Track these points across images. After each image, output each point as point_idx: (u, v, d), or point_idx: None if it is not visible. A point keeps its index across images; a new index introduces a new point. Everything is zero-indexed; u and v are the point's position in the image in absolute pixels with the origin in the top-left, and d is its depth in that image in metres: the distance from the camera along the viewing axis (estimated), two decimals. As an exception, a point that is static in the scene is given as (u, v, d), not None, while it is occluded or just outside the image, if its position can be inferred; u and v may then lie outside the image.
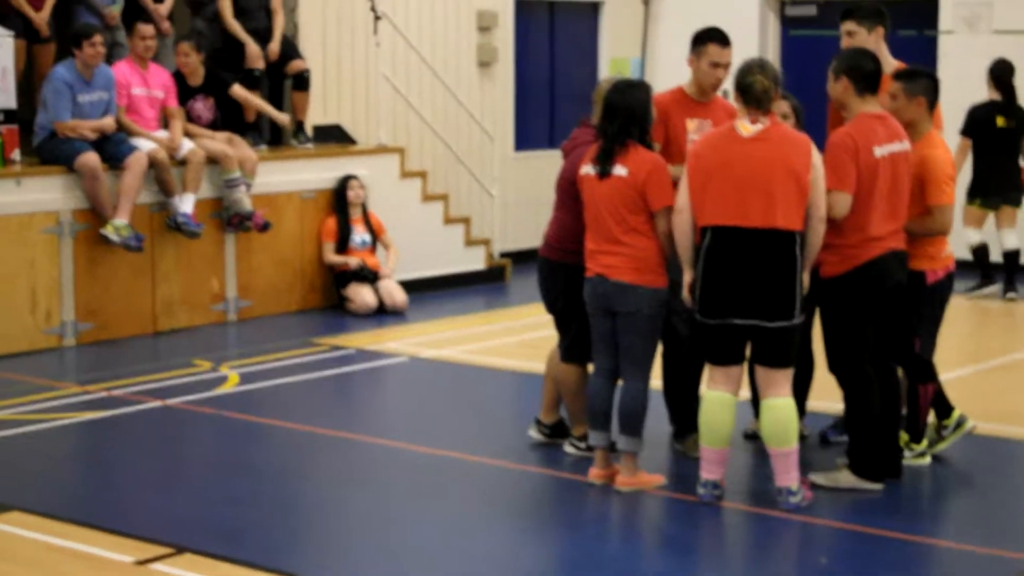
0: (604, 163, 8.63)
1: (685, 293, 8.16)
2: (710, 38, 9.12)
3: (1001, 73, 15.18)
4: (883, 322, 8.57)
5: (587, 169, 8.70)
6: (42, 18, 13.46)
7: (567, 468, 9.33)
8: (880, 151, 8.23)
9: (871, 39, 9.05)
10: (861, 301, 8.49)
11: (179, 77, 14.03)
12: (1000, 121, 14.97)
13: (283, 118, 14.74)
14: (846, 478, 8.40)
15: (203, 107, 13.94)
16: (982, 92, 16.27)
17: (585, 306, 9.00)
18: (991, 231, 15.90)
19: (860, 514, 8.24)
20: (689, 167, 8.23)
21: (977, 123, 14.98)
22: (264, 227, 14.05)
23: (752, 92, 8.07)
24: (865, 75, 8.35)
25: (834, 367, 8.71)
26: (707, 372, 8.33)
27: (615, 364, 8.97)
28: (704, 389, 8.30)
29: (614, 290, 8.68)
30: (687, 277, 8.15)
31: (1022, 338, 14.79)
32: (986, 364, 13.17)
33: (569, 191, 9.17)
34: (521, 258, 17.33)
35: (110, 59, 13.35)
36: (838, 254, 8.44)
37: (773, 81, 7.97)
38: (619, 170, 8.58)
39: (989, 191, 15.11)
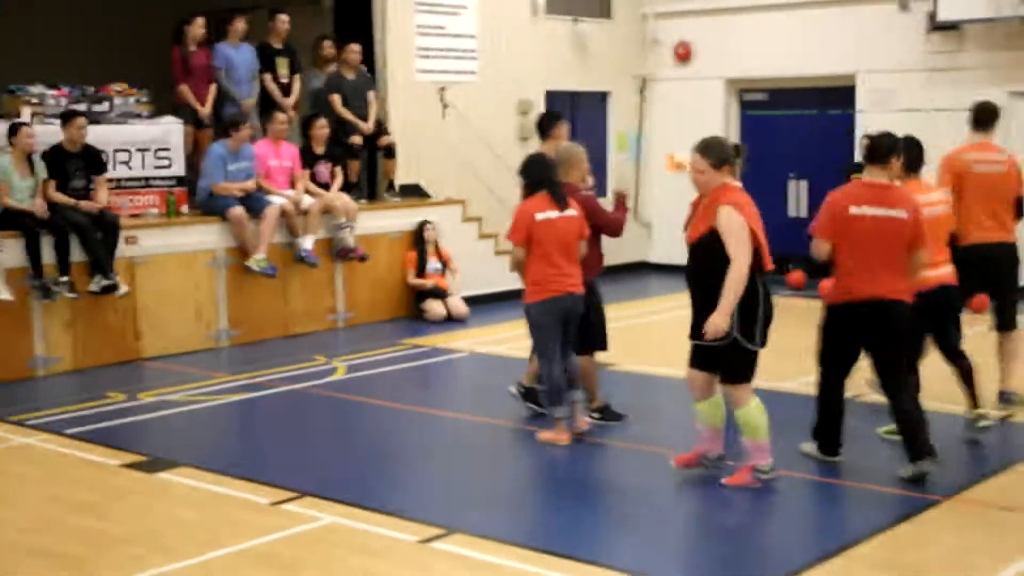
0: (560, 204, 9.01)
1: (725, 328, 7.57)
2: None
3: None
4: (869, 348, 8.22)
5: (549, 214, 8.98)
6: (205, 111, 13.99)
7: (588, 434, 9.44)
8: (857, 211, 7.93)
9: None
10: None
11: (307, 147, 14.26)
12: None
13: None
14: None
15: (324, 170, 14.30)
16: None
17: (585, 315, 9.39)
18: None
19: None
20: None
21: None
22: (363, 258, 14.54)
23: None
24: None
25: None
26: (748, 387, 7.88)
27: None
28: (754, 398, 7.88)
29: (577, 301, 9.14)
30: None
31: None
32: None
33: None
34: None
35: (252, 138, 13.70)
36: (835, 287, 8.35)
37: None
38: (571, 211, 9.11)
39: None
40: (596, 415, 9.86)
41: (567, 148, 9.78)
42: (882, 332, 8.07)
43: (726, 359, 7.76)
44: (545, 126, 10.57)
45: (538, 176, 9.18)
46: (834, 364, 8.41)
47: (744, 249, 7.50)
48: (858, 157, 15.82)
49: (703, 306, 7.69)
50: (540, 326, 9.17)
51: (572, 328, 9.29)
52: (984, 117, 10.24)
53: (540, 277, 9.02)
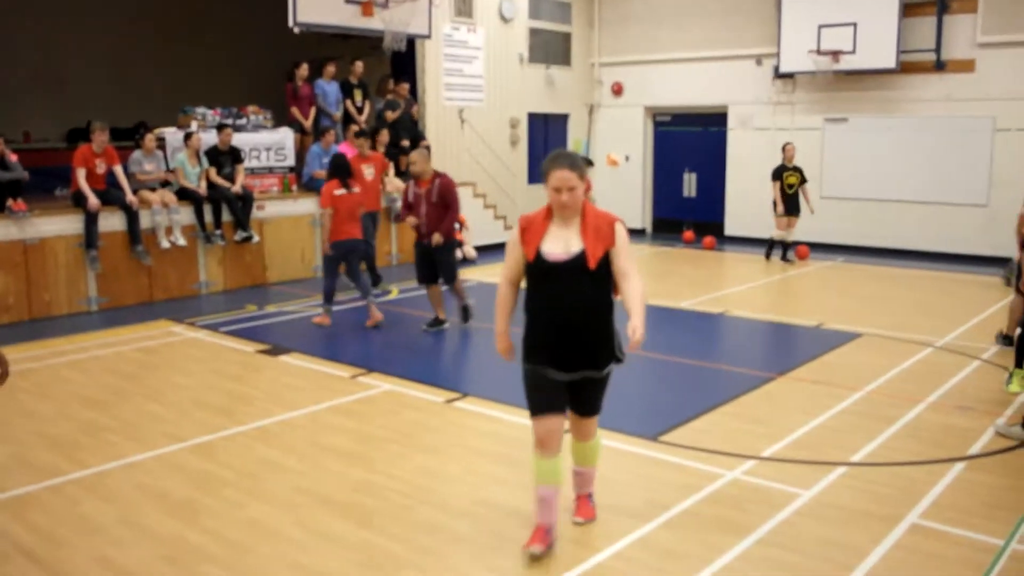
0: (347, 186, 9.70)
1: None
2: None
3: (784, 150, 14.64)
4: None
5: (340, 191, 9.69)
6: (307, 124, 13.94)
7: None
8: None
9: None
10: None
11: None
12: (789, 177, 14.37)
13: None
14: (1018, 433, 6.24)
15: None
16: (761, 161, 16.16)
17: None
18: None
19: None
20: None
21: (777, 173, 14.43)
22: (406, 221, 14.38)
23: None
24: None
25: None
26: None
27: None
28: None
29: (357, 244, 9.93)
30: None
31: None
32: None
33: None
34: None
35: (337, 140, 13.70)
36: None
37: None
38: (355, 189, 9.90)
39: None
40: (430, 326, 9.81)
41: (418, 152, 9.66)
42: None
43: (600, 387, 4.69)
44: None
45: (338, 170, 9.89)
46: None
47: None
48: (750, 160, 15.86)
49: (596, 332, 4.50)
50: (330, 258, 9.92)
51: (354, 260, 10.06)
52: None
53: (334, 229, 9.78)
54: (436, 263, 9.61)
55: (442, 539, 4.84)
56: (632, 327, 4.18)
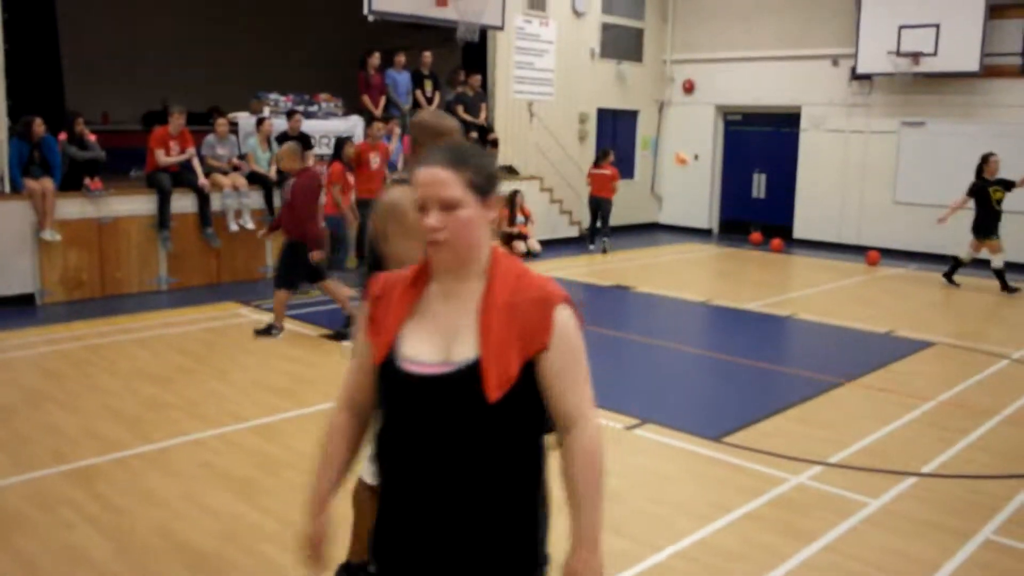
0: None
1: None
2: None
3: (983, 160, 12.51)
4: None
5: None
6: (377, 113, 13.84)
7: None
8: None
9: None
10: None
11: None
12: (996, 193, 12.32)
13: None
14: None
15: None
16: (833, 164, 15.55)
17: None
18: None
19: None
20: None
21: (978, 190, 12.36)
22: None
23: None
24: None
25: None
26: None
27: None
28: None
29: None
30: None
31: None
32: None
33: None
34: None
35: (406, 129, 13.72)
36: None
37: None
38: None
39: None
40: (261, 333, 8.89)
41: (286, 147, 8.96)
42: None
43: None
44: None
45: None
46: None
47: None
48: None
49: (485, 540, 2.06)
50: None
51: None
52: None
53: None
54: (283, 263, 8.82)
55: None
56: (574, 564, 2.09)
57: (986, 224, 12.35)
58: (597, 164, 15.81)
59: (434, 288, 2.13)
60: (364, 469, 3.61)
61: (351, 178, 11.81)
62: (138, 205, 11.10)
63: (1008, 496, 5.37)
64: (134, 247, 11.08)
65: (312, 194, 8.70)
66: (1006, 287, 12.36)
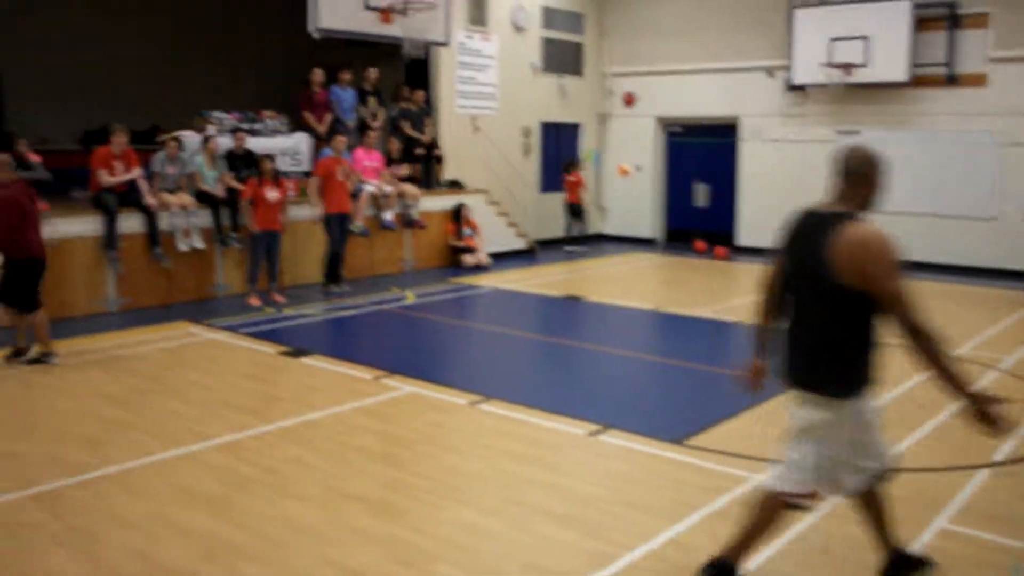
0: None
1: None
2: None
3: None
4: None
5: None
6: (322, 130, 13.92)
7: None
8: None
9: None
10: None
11: (387, 154, 14.24)
12: None
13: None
14: None
15: (398, 169, 14.25)
16: (772, 173, 15.97)
17: None
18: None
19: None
20: None
21: None
22: (423, 227, 14.59)
23: None
24: None
25: None
26: None
27: None
28: None
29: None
30: None
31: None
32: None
33: None
34: (541, 244, 17.48)
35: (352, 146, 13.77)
36: None
37: None
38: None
39: None
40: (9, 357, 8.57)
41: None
42: None
43: None
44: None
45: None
46: None
47: None
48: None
49: None
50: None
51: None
52: None
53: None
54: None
55: (475, 536, 4.85)
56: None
57: None
58: (567, 172, 17.27)
59: None
60: (782, 476, 3.84)
61: (274, 193, 11.64)
62: (84, 226, 10.92)
63: (959, 484, 5.59)
64: (82, 269, 10.89)
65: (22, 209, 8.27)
66: None
